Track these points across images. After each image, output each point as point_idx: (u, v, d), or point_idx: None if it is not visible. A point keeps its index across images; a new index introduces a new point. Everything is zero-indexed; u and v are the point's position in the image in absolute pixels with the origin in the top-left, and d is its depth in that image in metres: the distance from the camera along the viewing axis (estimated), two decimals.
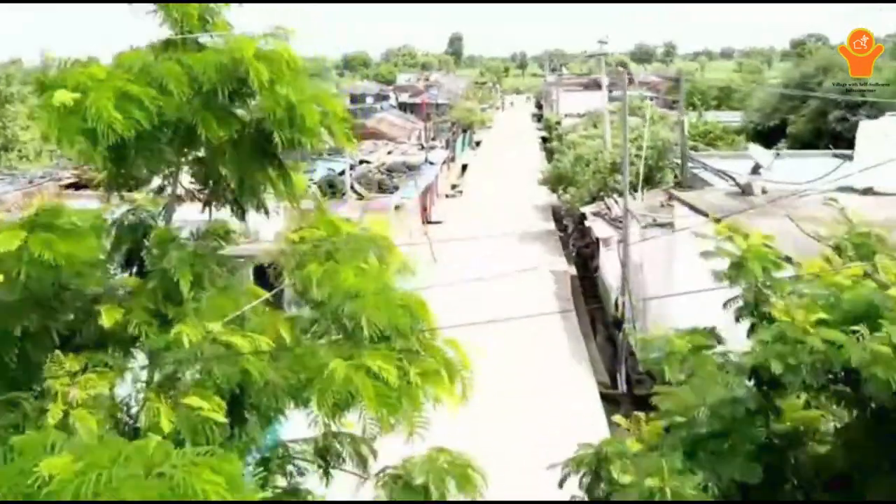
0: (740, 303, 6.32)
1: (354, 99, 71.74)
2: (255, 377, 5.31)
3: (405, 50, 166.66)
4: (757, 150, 17.23)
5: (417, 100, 70.23)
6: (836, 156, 21.67)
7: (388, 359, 5.70)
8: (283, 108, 5.63)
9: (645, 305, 17.82)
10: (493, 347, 19.33)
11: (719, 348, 6.22)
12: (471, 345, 6.41)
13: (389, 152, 34.32)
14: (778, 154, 18.40)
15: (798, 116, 31.13)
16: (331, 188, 22.76)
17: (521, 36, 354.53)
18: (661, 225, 17.01)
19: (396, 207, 23.38)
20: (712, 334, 6.30)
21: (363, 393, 5.33)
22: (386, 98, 68.48)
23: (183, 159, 6.24)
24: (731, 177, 18.48)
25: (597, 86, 75.94)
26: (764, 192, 15.80)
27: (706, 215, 14.82)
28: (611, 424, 16.74)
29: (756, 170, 15.81)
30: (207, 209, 6.49)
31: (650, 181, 26.25)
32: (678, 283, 16.40)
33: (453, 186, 43.46)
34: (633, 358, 18.20)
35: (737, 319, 6.36)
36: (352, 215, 19.58)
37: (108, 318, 5.61)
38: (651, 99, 68.90)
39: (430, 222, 33.73)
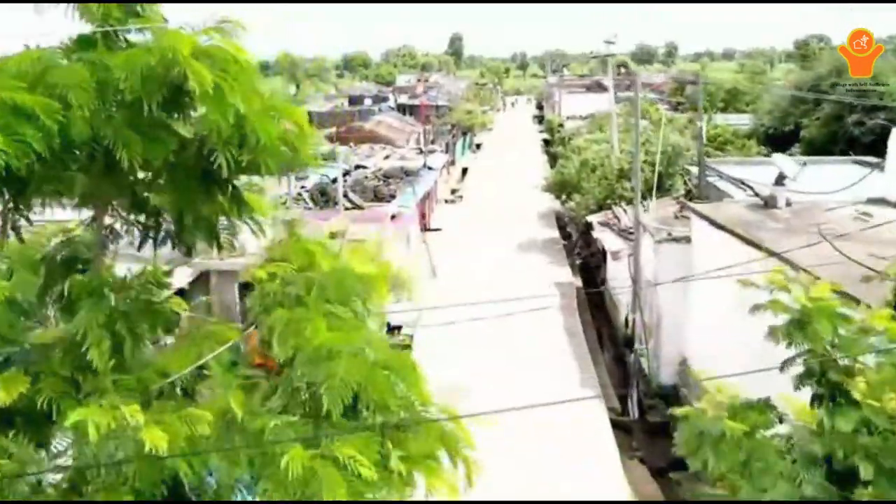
0: (801, 367, 5.09)
1: (353, 100, 70.60)
2: (189, 477, 4.08)
3: (405, 50, 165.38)
4: (781, 159, 15.96)
5: (417, 101, 69.04)
6: (858, 163, 20.46)
7: (365, 444, 4.48)
8: (231, 123, 4.38)
9: (659, 326, 16.61)
10: (496, 370, 18.28)
11: (780, 428, 4.98)
12: (476, 388, 5.18)
13: (387, 157, 33.10)
14: (804, 163, 17.12)
15: (811, 120, 29.85)
16: (323, 197, 21.55)
17: (521, 36, 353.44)
18: (677, 240, 15.79)
19: (393, 217, 22.16)
20: (770, 408, 5.05)
21: (328, 491, 4.12)
22: (385, 100, 67.23)
23: (114, 187, 5.00)
24: (749, 186, 17.27)
25: (599, 87, 74.87)
26: (788, 204, 14.57)
27: (726, 230, 13.63)
28: (622, 450, 15.66)
29: (780, 180, 14.57)
30: (144, 245, 5.27)
31: (660, 188, 25.03)
32: (696, 304, 15.21)
33: (453, 191, 42.23)
34: (644, 381, 17.01)
35: (797, 387, 5.14)
36: (343, 227, 18.41)
37: (6, 390, 4.39)
38: (657, 100, 67.83)
39: (429, 229, 32.51)
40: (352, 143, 35.84)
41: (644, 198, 24.93)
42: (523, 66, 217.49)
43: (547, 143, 63.01)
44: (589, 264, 28.05)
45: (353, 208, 21.54)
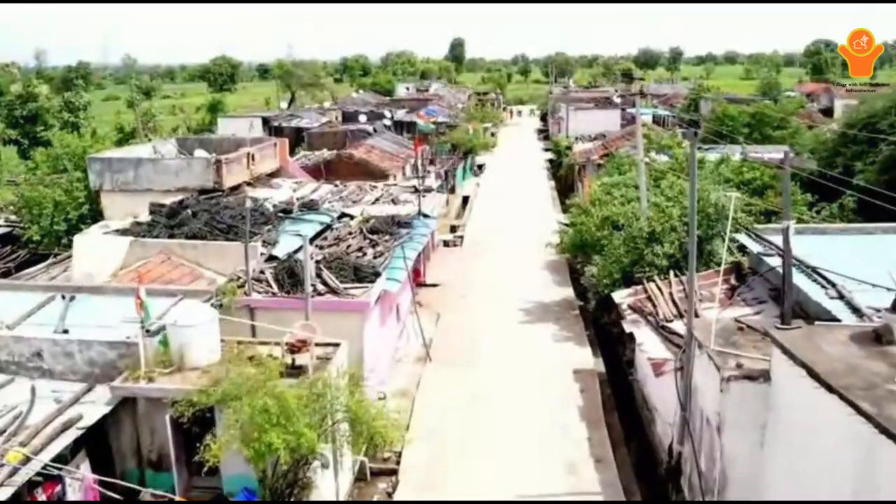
0: None
1: (346, 117, 66.42)
2: None
3: (404, 57, 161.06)
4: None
5: (415, 118, 64.86)
6: None
7: None
8: None
9: (723, 481, 12.49)
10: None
11: None
12: None
13: (376, 199, 29.00)
14: None
15: (866, 164, 25.75)
16: (291, 279, 17.42)
17: (522, 36, 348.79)
18: (752, 377, 11.68)
19: (378, 300, 18.07)
20: None
21: None
22: (381, 116, 63.00)
23: None
24: (841, 294, 13.14)
25: (608, 102, 70.77)
26: None
27: (840, 395, 9.52)
28: None
29: None
30: None
31: (698, 256, 20.96)
32: (781, 467, 11.13)
33: (453, 229, 38.08)
34: None
35: None
36: (309, 336, 14.26)
37: None
38: (667, 117, 63.68)
39: (424, 285, 28.42)
40: (337, 182, 31.74)
41: (676, 265, 20.94)
42: (525, 72, 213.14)
43: (552, 163, 58.87)
44: (609, 332, 23.93)
45: (329, 292, 17.42)
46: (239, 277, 17.78)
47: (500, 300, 26.38)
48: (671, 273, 19.96)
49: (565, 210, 43.38)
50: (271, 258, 19.71)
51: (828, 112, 69.40)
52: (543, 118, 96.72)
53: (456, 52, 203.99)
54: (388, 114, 64.66)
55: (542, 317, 24.67)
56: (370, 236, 23.45)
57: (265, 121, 65.05)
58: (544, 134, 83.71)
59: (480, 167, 58.42)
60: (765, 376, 11.68)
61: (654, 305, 17.95)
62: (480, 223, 39.13)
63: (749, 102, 54.23)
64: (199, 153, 29.24)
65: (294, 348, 13.98)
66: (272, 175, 31.42)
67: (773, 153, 33.60)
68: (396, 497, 15.24)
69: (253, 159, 28.92)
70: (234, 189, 27.66)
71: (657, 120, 59.81)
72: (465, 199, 46.82)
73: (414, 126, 57.17)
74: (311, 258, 19.02)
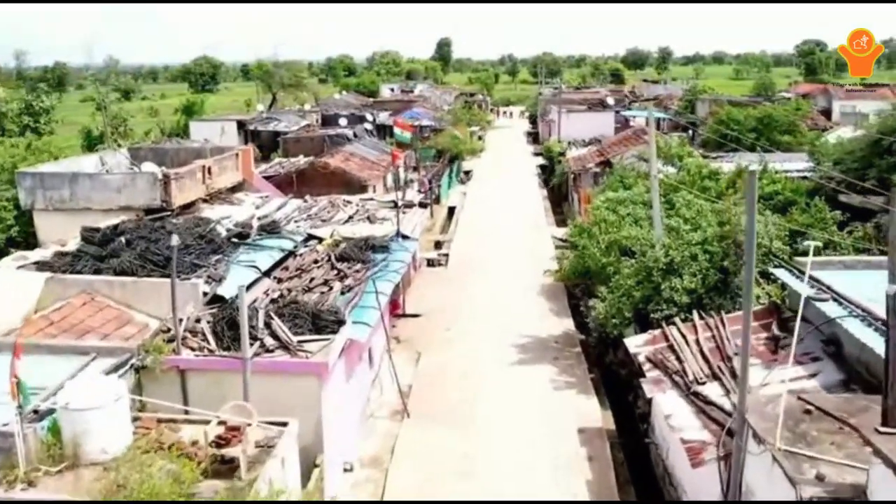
0: None
1: (326, 120, 62.91)
2: None
3: (389, 57, 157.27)
4: None
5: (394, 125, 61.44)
6: None
7: None
8: None
9: None
10: None
11: None
12: None
13: (350, 217, 25.65)
14: None
15: None
16: (233, 331, 14.05)
17: (509, 37, 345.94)
18: (843, 502, 8.47)
19: (342, 352, 14.75)
20: None
21: None
22: (362, 119, 59.55)
23: None
24: None
25: (601, 105, 67.58)
26: None
27: None
28: None
29: None
30: None
31: (723, 290, 17.82)
32: None
33: (437, 245, 34.79)
34: None
35: None
36: (241, 423, 10.88)
37: None
38: (662, 120, 60.50)
39: (404, 315, 25.11)
40: (307, 197, 28.34)
41: (701, 306, 17.77)
42: (512, 72, 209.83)
43: (543, 169, 55.63)
44: (616, 374, 20.75)
45: (279, 348, 14.06)
46: (168, 329, 14.41)
47: (490, 334, 23.10)
48: (694, 313, 16.81)
49: (559, 222, 40.24)
50: (216, 299, 16.33)
51: (826, 114, 66.61)
52: (533, 120, 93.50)
53: (443, 52, 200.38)
54: (370, 117, 61.25)
55: (539, 356, 21.40)
56: (339, 265, 20.15)
57: (240, 124, 61.47)
58: (534, 137, 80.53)
59: (467, 174, 55.10)
60: (860, 498, 8.50)
61: (680, 360, 14.73)
62: (467, 238, 35.80)
63: (754, 105, 51.18)
64: (148, 167, 25.75)
65: (222, 441, 10.67)
66: (234, 189, 28.02)
67: (794, 162, 30.61)
68: None
69: (209, 173, 25.49)
70: (188, 207, 24.25)
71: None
72: (452, 210, 43.52)
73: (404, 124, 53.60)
74: (260, 304, 15.71)
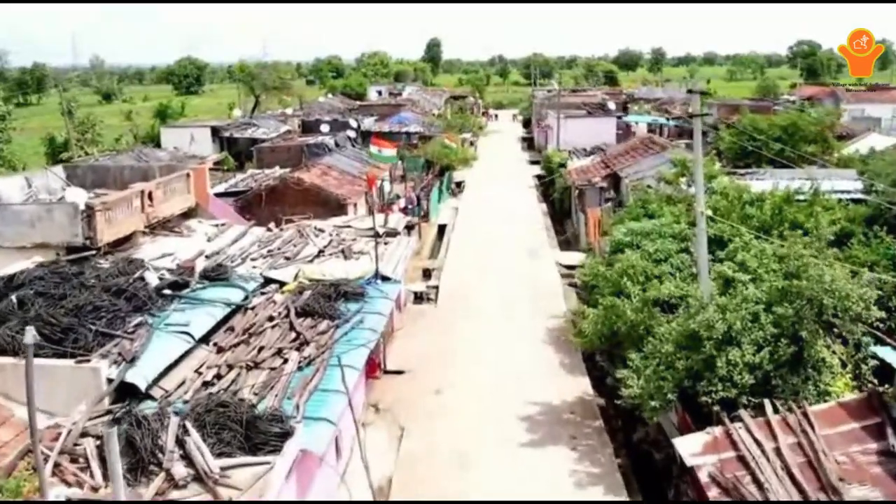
0: None
1: (306, 126, 58.46)
2: None
3: (377, 58, 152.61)
4: None
5: (386, 127, 57.17)
6: None
7: None
8: None
9: None
10: None
11: None
12: None
13: (320, 252, 21.37)
14: None
15: None
16: (130, 455, 9.72)
17: (499, 37, 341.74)
18: None
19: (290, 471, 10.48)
20: None
21: None
22: (345, 126, 55.15)
23: None
24: None
25: (602, 109, 63.41)
26: None
27: None
28: None
29: None
30: None
31: (795, 367, 13.60)
32: None
33: (425, 273, 30.49)
34: None
35: None
36: None
37: None
38: (663, 125, 56.39)
39: (386, 372, 20.83)
40: (271, 226, 24.04)
41: (765, 383, 13.64)
42: (503, 73, 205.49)
43: (541, 178, 51.34)
44: (650, 457, 16.57)
45: (195, 479, 9.76)
46: (30, 451, 10.06)
47: (490, 400, 18.87)
48: (766, 402, 12.63)
49: (563, 244, 36.06)
50: (125, 389, 12.02)
51: None
52: (527, 124, 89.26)
53: (432, 52, 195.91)
54: (353, 123, 56.83)
55: (553, 434, 17.11)
56: (299, 324, 15.90)
57: (215, 131, 56.89)
58: (528, 142, 76.30)
59: (459, 185, 50.80)
60: None
61: (760, 485, 10.54)
62: (460, 265, 31.49)
63: (765, 111, 47.18)
64: (73, 193, 21.29)
65: None
66: (187, 215, 23.68)
67: (835, 179, 26.25)
68: None
69: (150, 199, 21.13)
70: (120, 243, 19.91)
71: (652, 129, 52.57)
72: (442, 229, 39.24)
73: (385, 137, 49.18)
74: (177, 401, 11.32)
